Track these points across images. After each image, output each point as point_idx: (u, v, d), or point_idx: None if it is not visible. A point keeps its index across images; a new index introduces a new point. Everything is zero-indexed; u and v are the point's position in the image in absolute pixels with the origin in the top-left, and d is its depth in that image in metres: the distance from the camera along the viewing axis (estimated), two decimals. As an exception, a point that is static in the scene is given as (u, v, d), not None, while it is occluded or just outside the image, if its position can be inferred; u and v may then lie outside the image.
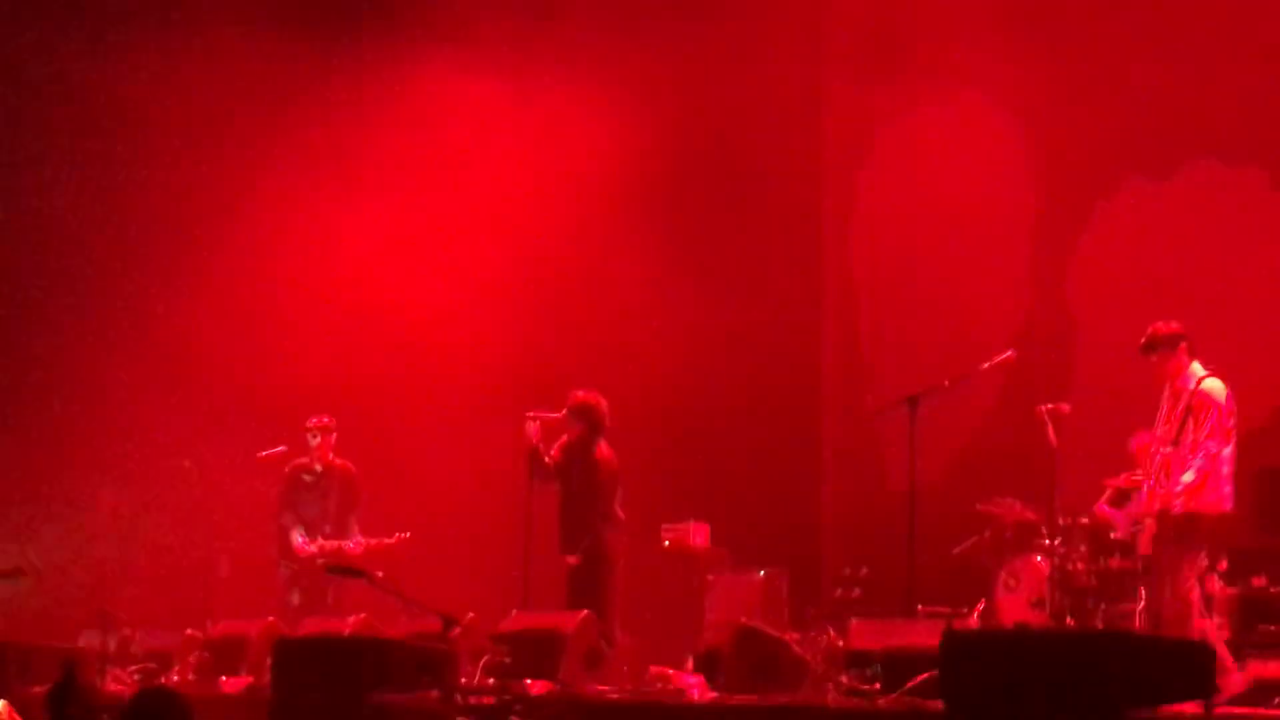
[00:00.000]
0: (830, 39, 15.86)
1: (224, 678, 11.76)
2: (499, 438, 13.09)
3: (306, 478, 13.33)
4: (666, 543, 14.21)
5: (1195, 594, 10.24)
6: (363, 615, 11.87)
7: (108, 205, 15.33)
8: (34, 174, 15.32)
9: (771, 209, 15.77)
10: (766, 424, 15.43)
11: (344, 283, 15.23)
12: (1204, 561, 10.44)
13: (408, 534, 13.02)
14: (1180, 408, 10.43)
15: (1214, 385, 10.40)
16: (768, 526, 14.73)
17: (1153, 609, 10.83)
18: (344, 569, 11.22)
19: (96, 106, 15.18)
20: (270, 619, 12.46)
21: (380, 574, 11.07)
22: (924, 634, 10.15)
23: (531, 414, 12.24)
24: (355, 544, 13.06)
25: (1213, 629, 10.42)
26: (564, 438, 12.30)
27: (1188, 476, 10.27)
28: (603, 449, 12.18)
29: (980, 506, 13.14)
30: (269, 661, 10.67)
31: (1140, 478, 11.81)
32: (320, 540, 13.13)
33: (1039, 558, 12.57)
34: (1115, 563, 12.20)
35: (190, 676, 12.04)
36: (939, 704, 8.85)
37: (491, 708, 10.12)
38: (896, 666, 10.02)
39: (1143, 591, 11.38)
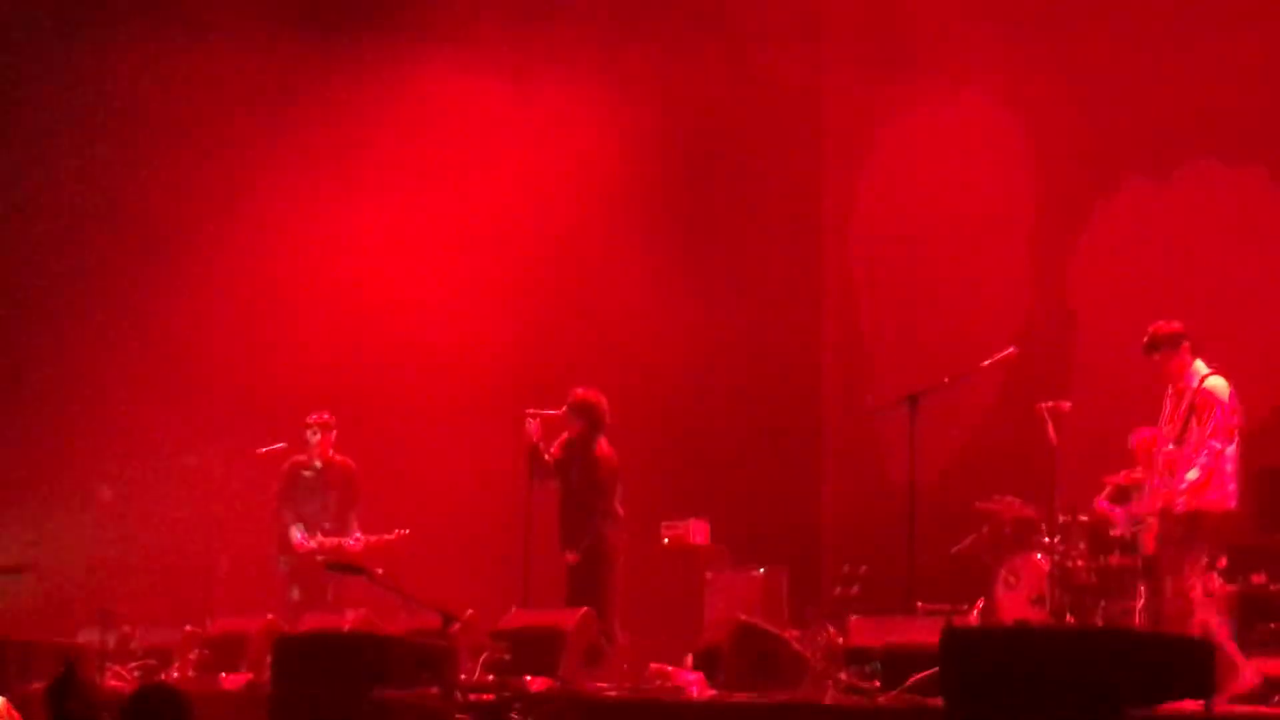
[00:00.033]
0: (830, 37, 15.86)
1: (224, 674, 11.76)
2: (499, 435, 13.09)
3: (306, 474, 13.33)
4: (666, 540, 14.22)
5: (1197, 592, 10.23)
6: (362, 612, 11.87)
7: (107, 203, 15.32)
8: (34, 173, 15.32)
9: (771, 207, 15.78)
10: (766, 422, 15.44)
11: (344, 280, 15.24)
12: (1206, 559, 10.44)
13: (407, 531, 13.03)
14: (1183, 406, 10.43)
15: (1217, 383, 10.41)
16: (767, 524, 14.74)
17: (1154, 607, 10.83)
18: (343, 566, 11.22)
19: (97, 105, 15.19)
20: (270, 616, 12.46)
21: (380, 571, 11.09)
22: (924, 631, 10.15)
23: (531, 411, 12.26)
24: (355, 540, 13.06)
25: (1222, 627, 10.41)
26: (564, 435, 12.31)
27: (1192, 474, 10.27)
28: (603, 446, 12.19)
29: (980, 504, 13.14)
30: (269, 658, 10.68)
31: (1140, 475, 11.82)
32: (320, 537, 13.13)
33: (1039, 555, 12.58)
34: (1115, 560, 12.20)
35: (190, 673, 12.05)
36: (939, 701, 8.85)
37: (491, 705, 10.12)
38: (896, 664, 10.02)
39: (1142, 589, 11.38)
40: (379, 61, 15.36)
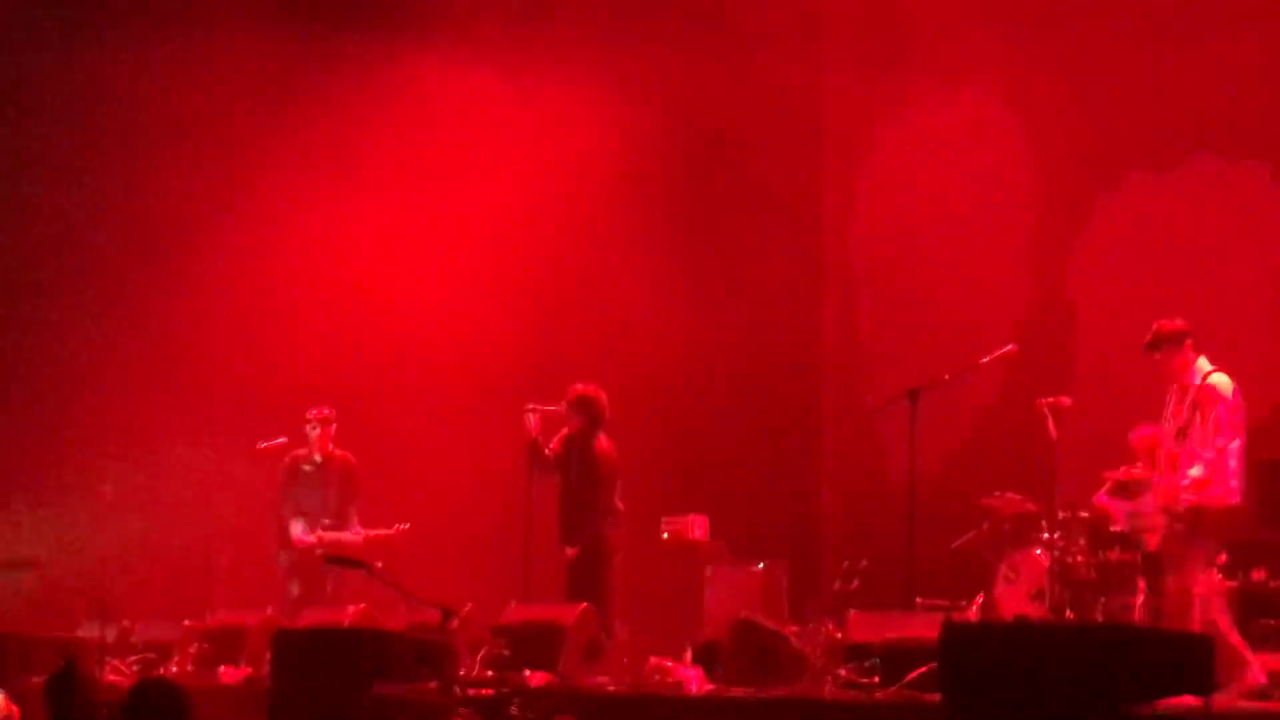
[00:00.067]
0: (830, 29, 15.86)
1: (223, 669, 11.76)
2: (499, 430, 13.10)
3: (306, 469, 13.32)
4: (666, 535, 14.21)
5: (1200, 588, 10.23)
6: (362, 606, 11.87)
7: (107, 201, 15.31)
8: (34, 171, 15.30)
9: (771, 203, 15.77)
10: (766, 417, 15.44)
11: (344, 276, 15.23)
12: (1211, 555, 10.43)
13: (407, 525, 13.02)
14: (1187, 403, 10.42)
15: (1220, 380, 10.40)
16: (767, 519, 14.74)
17: (1155, 603, 10.83)
18: (343, 560, 11.21)
19: (96, 102, 15.17)
20: (269, 610, 12.46)
21: (379, 565, 11.08)
22: (923, 627, 10.15)
23: (531, 407, 12.26)
24: (354, 535, 13.05)
25: (1229, 623, 10.40)
26: (564, 430, 12.31)
27: (1195, 471, 10.27)
28: (602, 442, 12.19)
29: (980, 500, 13.14)
30: (268, 653, 10.68)
31: (1140, 471, 11.82)
32: (319, 531, 13.13)
33: (1038, 550, 12.58)
34: (1115, 556, 12.20)
35: (189, 667, 12.04)
36: (938, 697, 8.85)
37: (490, 699, 10.12)
38: (896, 659, 10.03)
39: (1142, 584, 11.38)
40: (379, 59, 15.36)
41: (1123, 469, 12.18)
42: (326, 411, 13.34)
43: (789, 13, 15.44)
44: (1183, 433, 10.41)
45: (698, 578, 13.86)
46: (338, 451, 13.36)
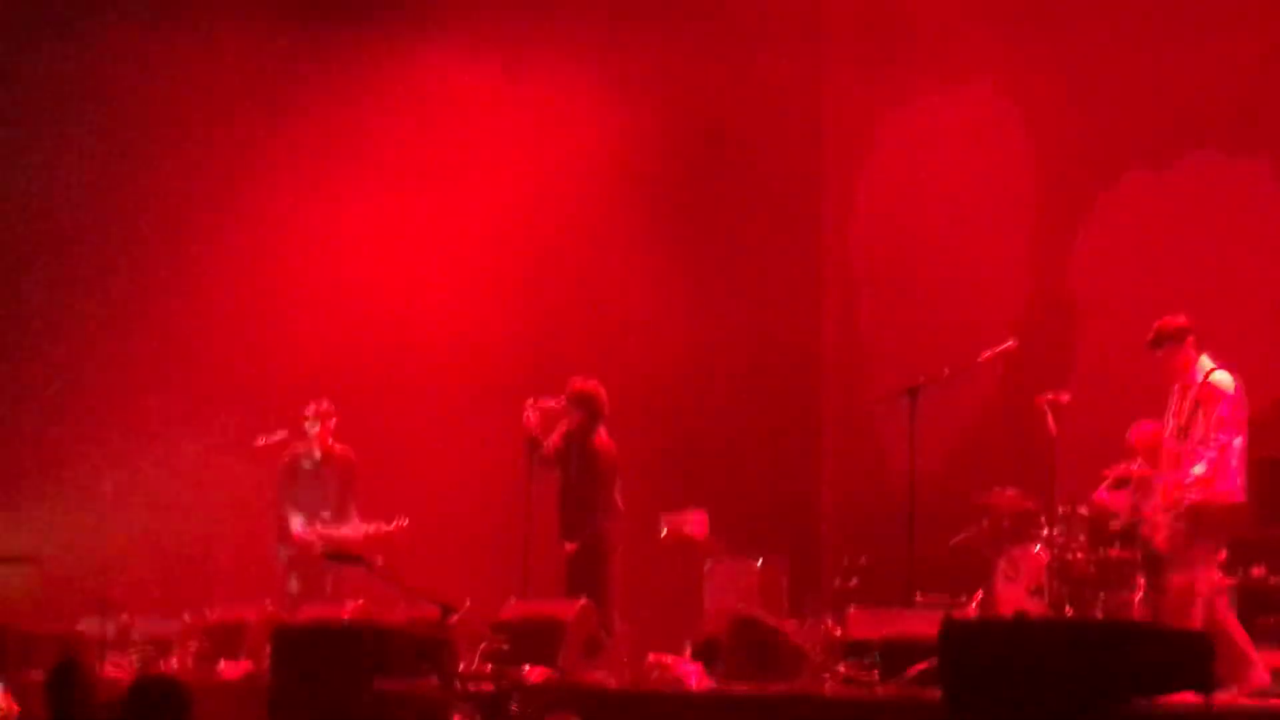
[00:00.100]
0: (830, 27, 15.85)
1: (223, 664, 11.77)
2: (498, 426, 13.09)
3: (305, 464, 13.32)
4: (665, 531, 14.20)
5: (1204, 586, 10.23)
6: (361, 602, 11.87)
7: (107, 194, 15.31)
8: (33, 166, 15.30)
9: (771, 198, 15.76)
10: (766, 413, 15.43)
11: (344, 271, 15.23)
12: (1220, 553, 10.43)
13: (406, 521, 13.01)
14: (1189, 401, 10.43)
15: (1222, 377, 10.40)
16: (767, 515, 14.74)
17: (1155, 600, 10.83)
18: (342, 556, 11.22)
19: (94, 96, 15.17)
20: (269, 605, 12.46)
21: (379, 561, 11.08)
22: (922, 623, 10.15)
23: (531, 402, 12.26)
24: (354, 530, 13.04)
25: (1235, 621, 10.40)
26: (563, 426, 12.31)
27: (1199, 468, 10.27)
28: (602, 437, 12.19)
29: (979, 496, 13.14)
30: (268, 648, 10.69)
31: (1139, 468, 11.81)
32: (319, 527, 13.13)
33: (1038, 547, 12.57)
34: (1114, 552, 12.19)
35: (189, 663, 12.05)
36: (937, 693, 8.86)
37: (490, 695, 10.13)
38: (895, 655, 10.05)
39: (1142, 581, 11.38)
40: (378, 51, 15.35)
41: (1122, 465, 12.18)
42: (326, 407, 13.33)
43: (789, 12, 15.44)
44: (1184, 430, 10.41)
45: (697, 574, 13.85)
46: (337, 447, 13.36)
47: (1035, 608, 12.01)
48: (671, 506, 14.23)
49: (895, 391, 11.48)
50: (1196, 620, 10.04)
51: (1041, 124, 14.60)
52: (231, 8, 15.15)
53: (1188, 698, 8.56)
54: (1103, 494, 12.33)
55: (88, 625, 12.57)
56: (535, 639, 10.99)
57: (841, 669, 10.49)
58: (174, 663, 12.11)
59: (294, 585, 13.09)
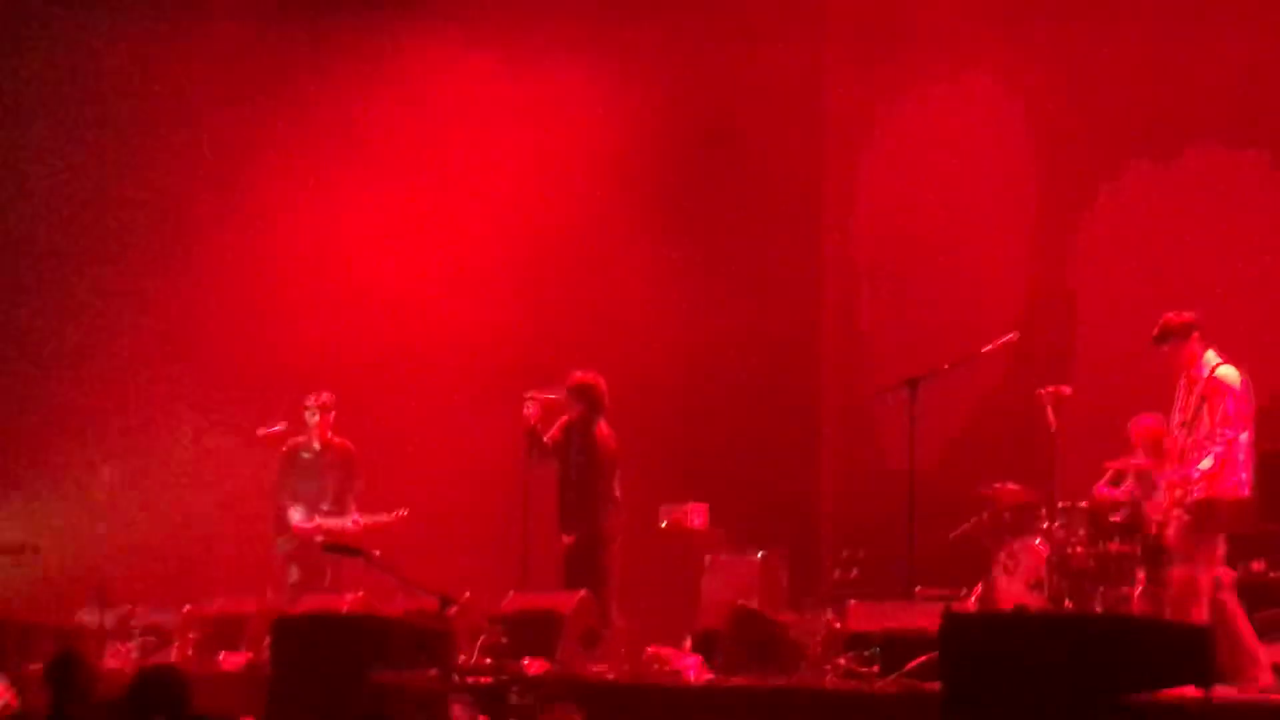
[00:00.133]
0: (832, 19, 15.82)
1: (222, 655, 11.77)
2: (498, 417, 13.08)
3: (305, 455, 13.32)
4: (664, 524, 14.20)
5: (1207, 580, 10.22)
6: (360, 593, 11.87)
7: (105, 184, 15.31)
8: (32, 156, 15.30)
9: (771, 189, 15.73)
10: (766, 405, 15.41)
11: (343, 261, 15.22)
12: (1222, 548, 10.43)
13: (405, 512, 13.01)
14: (1195, 396, 10.42)
15: (1228, 372, 10.39)
16: (766, 508, 14.72)
17: (1156, 594, 10.82)
18: (341, 547, 11.20)
19: (93, 87, 15.17)
20: (269, 596, 12.46)
21: (377, 553, 11.06)
22: (922, 616, 10.16)
23: (530, 394, 12.25)
24: (353, 522, 13.04)
25: (1242, 618, 10.39)
26: (563, 418, 12.30)
27: (1205, 463, 10.26)
28: (602, 429, 12.18)
29: (979, 489, 13.13)
30: (267, 639, 10.69)
31: (1139, 461, 11.81)
32: (318, 518, 13.12)
33: (1038, 540, 12.56)
34: (1114, 546, 12.18)
35: (189, 653, 12.05)
36: (937, 686, 8.86)
37: (489, 687, 10.13)
38: (895, 648, 10.05)
39: (1141, 575, 11.37)
40: (377, 41, 15.34)
41: (1122, 459, 12.17)
42: (325, 398, 13.32)
43: (789, 5, 15.41)
44: (1190, 425, 10.41)
45: (696, 566, 13.85)
46: (336, 438, 13.35)
47: (1035, 601, 12.02)
48: (671, 499, 14.23)
49: (895, 384, 11.47)
50: (1199, 614, 10.04)
51: (1042, 116, 14.58)
52: (231, 2, 15.14)
53: (1187, 691, 8.56)
54: (1103, 488, 12.33)
55: (87, 616, 12.57)
56: (534, 631, 11.00)
57: (841, 662, 10.50)
58: (173, 653, 12.11)
59: (293, 576, 13.08)
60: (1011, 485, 12.98)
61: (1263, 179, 13.65)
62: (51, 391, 15.00)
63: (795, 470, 15.56)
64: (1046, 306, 14.39)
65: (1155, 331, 10.55)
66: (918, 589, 11.70)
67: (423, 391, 15.04)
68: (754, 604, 11.60)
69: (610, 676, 10.80)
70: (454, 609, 9.58)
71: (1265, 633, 10.87)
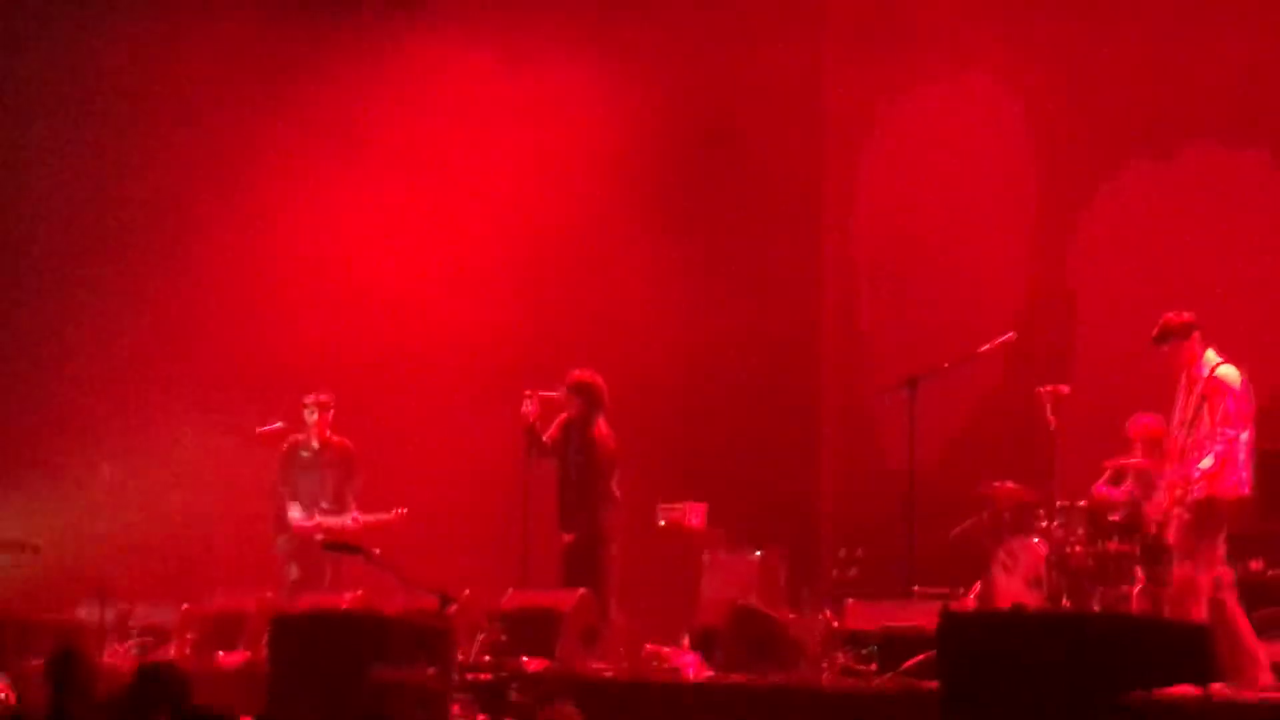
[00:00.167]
0: (831, 16, 15.82)
1: (221, 653, 11.77)
2: (497, 416, 13.08)
3: (304, 454, 13.32)
4: (663, 522, 14.19)
5: (1207, 579, 10.23)
6: (359, 591, 11.87)
7: (104, 182, 15.31)
8: (32, 153, 15.30)
9: (771, 188, 15.73)
10: (765, 404, 15.41)
11: (342, 259, 15.22)
12: (1222, 547, 10.43)
13: (405, 510, 13.02)
14: (1195, 395, 10.42)
15: (1228, 372, 10.40)
16: (765, 507, 14.71)
17: (1155, 593, 10.83)
18: (341, 546, 11.22)
19: (93, 84, 15.17)
20: (268, 594, 12.46)
21: (377, 551, 11.07)
22: (921, 615, 10.17)
23: (529, 392, 12.25)
24: (352, 520, 13.04)
25: (1243, 618, 10.39)
26: (562, 416, 12.31)
27: (1205, 462, 10.26)
28: (601, 428, 12.19)
29: (978, 488, 13.13)
30: (266, 637, 10.69)
31: (1137, 460, 11.82)
32: (318, 516, 13.13)
33: (1036, 539, 12.56)
34: (1113, 545, 12.18)
35: (188, 651, 12.06)
36: (935, 684, 8.87)
37: (488, 685, 10.14)
38: (893, 647, 10.07)
39: (1140, 574, 11.38)
40: (377, 39, 15.34)
41: (1121, 458, 12.18)
42: (324, 396, 13.33)
43: (789, 2, 15.41)
44: (1190, 424, 10.41)
45: (695, 565, 13.84)
46: (335, 437, 13.36)
47: (1033, 600, 12.02)
48: (670, 497, 14.23)
49: (895, 384, 11.47)
50: (1198, 613, 10.04)
51: (1042, 116, 14.58)
52: (230, 2, 15.15)
53: (1186, 690, 8.56)
54: (1102, 487, 12.33)
55: (86, 613, 12.58)
56: (533, 629, 11.00)
57: (839, 660, 10.51)
58: (172, 651, 12.11)
59: (293, 574, 13.09)
60: (1010, 484, 12.98)
61: (1263, 179, 13.65)
62: (51, 391, 15.00)
63: (795, 470, 15.56)
64: (1046, 306, 14.39)
65: (1155, 331, 10.55)
66: (916, 588, 11.70)
67: (423, 391, 15.04)
68: (753, 602, 11.60)
69: (609, 674, 10.81)
70: (453, 607, 9.59)
71: (1265, 631, 10.88)
